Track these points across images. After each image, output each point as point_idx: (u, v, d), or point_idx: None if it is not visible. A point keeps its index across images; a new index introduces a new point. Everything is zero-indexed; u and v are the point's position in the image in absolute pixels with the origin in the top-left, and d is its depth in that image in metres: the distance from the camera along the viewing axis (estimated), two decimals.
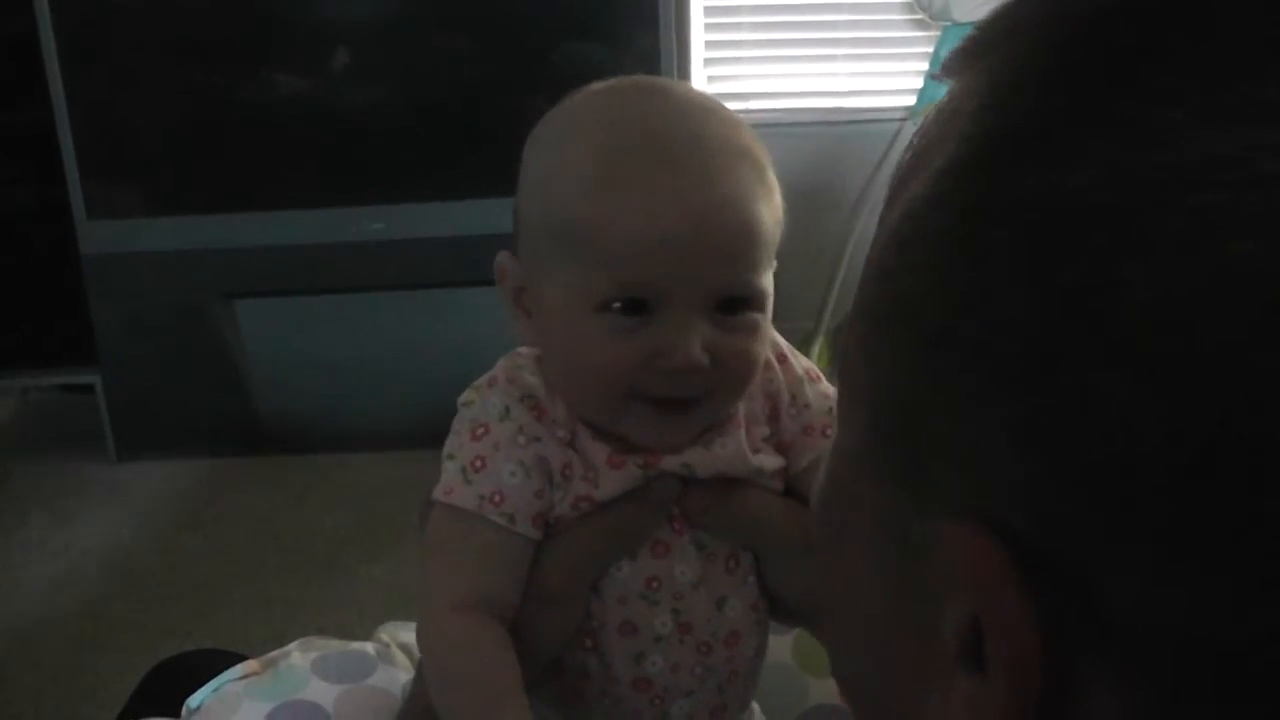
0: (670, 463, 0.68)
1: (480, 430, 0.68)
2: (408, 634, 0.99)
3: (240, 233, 2.43)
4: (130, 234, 2.42)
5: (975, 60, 0.35)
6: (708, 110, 0.67)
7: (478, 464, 0.67)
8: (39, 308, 2.56)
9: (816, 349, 2.69)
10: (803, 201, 2.77)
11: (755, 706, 0.80)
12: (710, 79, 2.80)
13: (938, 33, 2.64)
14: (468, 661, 0.66)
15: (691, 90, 0.69)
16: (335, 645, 0.96)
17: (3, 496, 2.45)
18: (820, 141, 2.79)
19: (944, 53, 2.58)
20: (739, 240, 0.64)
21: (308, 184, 2.46)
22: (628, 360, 0.64)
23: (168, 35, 2.41)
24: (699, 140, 0.64)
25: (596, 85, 0.69)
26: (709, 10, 2.80)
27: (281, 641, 0.98)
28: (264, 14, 2.43)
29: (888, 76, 2.82)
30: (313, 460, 2.51)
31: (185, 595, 2.12)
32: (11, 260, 2.52)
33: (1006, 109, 0.32)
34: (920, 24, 2.75)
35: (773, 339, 0.71)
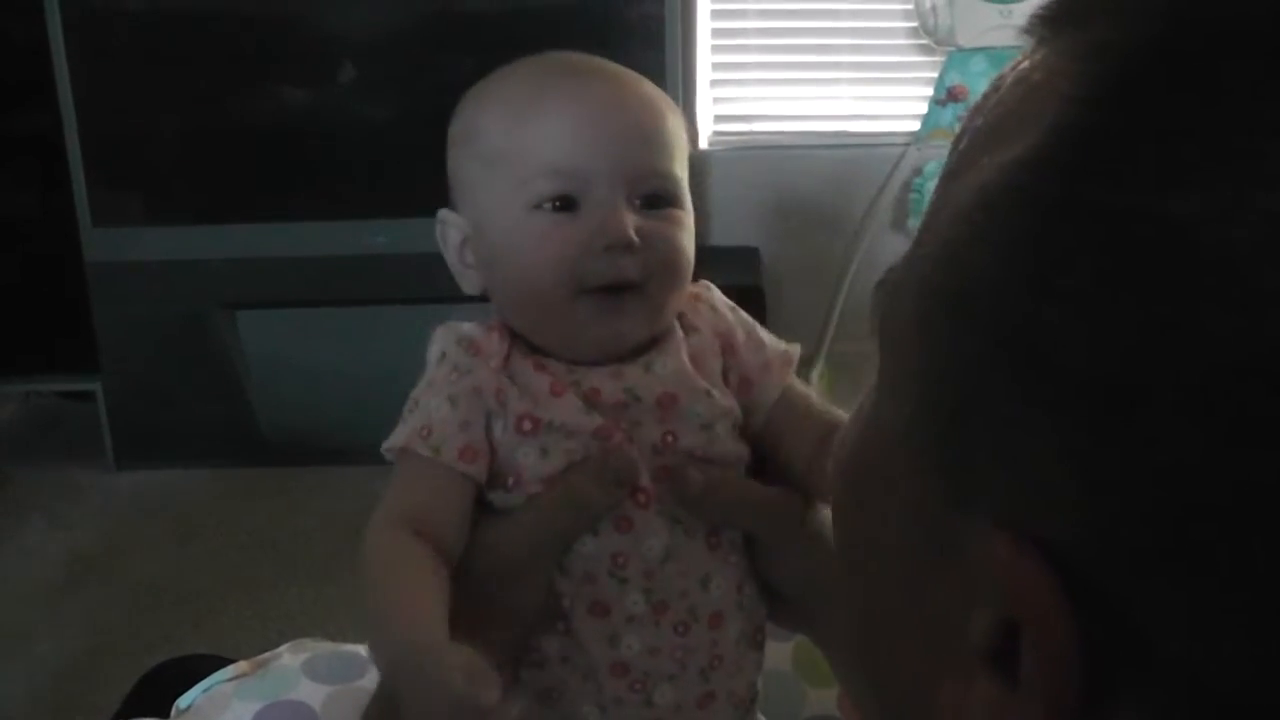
0: (612, 390, 0.69)
1: (421, 382, 0.71)
2: None
3: (244, 244, 2.44)
4: (135, 242, 2.43)
5: (1063, 28, 0.32)
6: (609, 61, 0.75)
7: (411, 405, 0.70)
8: (42, 313, 2.57)
9: (817, 372, 2.69)
10: (805, 224, 2.77)
11: (759, 715, 0.79)
12: (716, 101, 2.82)
13: (942, 58, 2.65)
14: (382, 558, 0.67)
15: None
16: (326, 647, 0.96)
17: (1, 501, 2.45)
18: (824, 165, 2.80)
19: (949, 78, 2.61)
20: (652, 129, 0.71)
21: (312, 197, 2.47)
22: (568, 247, 0.69)
23: (176, 46, 2.42)
24: (605, 65, 0.73)
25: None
26: (716, 33, 2.82)
27: None
28: (272, 27, 2.44)
29: (892, 101, 2.84)
30: (310, 472, 2.50)
31: (181, 604, 2.12)
32: (15, 265, 2.53)
33: (1105, 109, 0.29)
34: (925, 49, 2.76)
35: (720, 297, 0.76)
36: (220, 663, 0.99)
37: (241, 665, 0.93)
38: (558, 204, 0.69)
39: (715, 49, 2.83)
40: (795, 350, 0.76)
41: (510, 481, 0.69)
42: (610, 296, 0.69)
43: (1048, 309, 0.29)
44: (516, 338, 0.71)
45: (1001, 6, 2.47)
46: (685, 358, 0.71)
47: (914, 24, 2.72)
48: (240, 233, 2.44)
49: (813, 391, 0.75)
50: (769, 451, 0.73)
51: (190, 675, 0.96)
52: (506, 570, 0.68)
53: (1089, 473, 0.28)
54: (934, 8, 2.60)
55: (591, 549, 0.69)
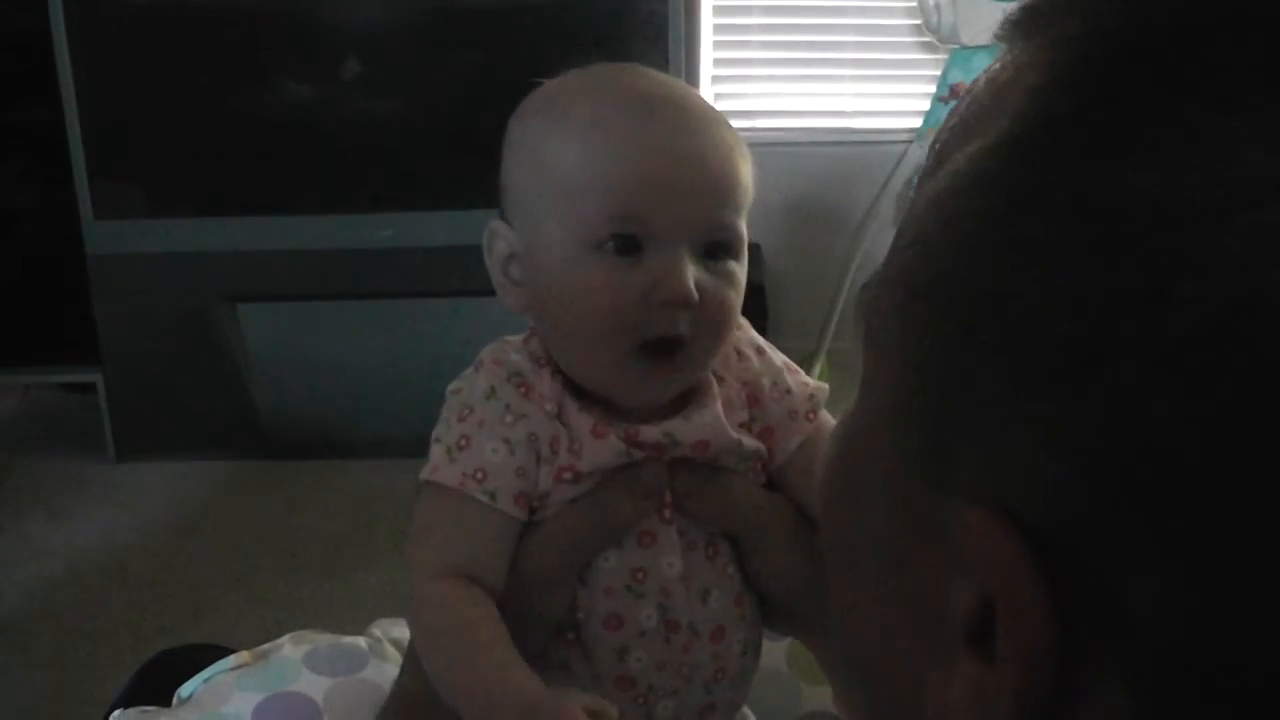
0: (650, 433, 0.68)
1: (466, 412, 0.69)
2: (400, 630, 0.99)
3: (246, 237, 2.44)
4: (136, 235, 2.43)
5: (1032, 31, 0.33)
6: (684, 85, 0.73)
7: (462, 443, 0.68)
8: (43, 305, 2.57)
9: (818, 369, 2.69)
10: (807, 221, 2.77)
11: (749, 713, 0.79)
12: (718, 96, 2.81)
13: (945, 55, 2.65)
14: (449, 618, 0.66)
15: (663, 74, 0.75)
16: (327, 639, 0.96)
17: (1, 493, 2.46)
18: (826, 161, 2.80)
19: (952, 76, 2.61)
20: (723, 180, 0.68)
21: (315, 190, 2.47)
22: (624, 296, 0.66)
23: (180, 38, 2.42)
24: (683, 100, 0.70)
25: (576, 69, 0.73)
26: (718, 29, 2.82)
27: None
28: (276, 20, 2.44)
29: (895, 98, 2.83)
30: (312, 465, 2.51)
31: (180, 596, 2.12)
32: (17, 257, 2.53)
33: (1067, 93, 0.31)
34: (928, 46, 2.76)
35: (749, 336, 0.74)
36: (221, 652, 0.99)
37: (242, 655, 0.94)
38: (620, 246, 0.67)
39: (718, 44, 2.83)
40: (823, 392, 0.74)
41: (537, 503, 0.69)
42: (659, 357, 0.68)
43: (1017, 284, 0.30)
44: (560, 371, 0.70)
45: (1005, 5, 2.46)
46: (719, 408, 0.71)
47: (917, 21, 2.73)
48: (242, 226, 2.44)
49: None
50: (789, 490, 0.73)
51: (190, 664, 0.96)
52: (535, 581, 0.68)
53: (1063, 446, 0.29)
54: (937, 5, 2.60)
55: (614, 563, 0.69)
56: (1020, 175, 0.31)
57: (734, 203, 0.69)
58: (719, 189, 0.68)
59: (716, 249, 0.68)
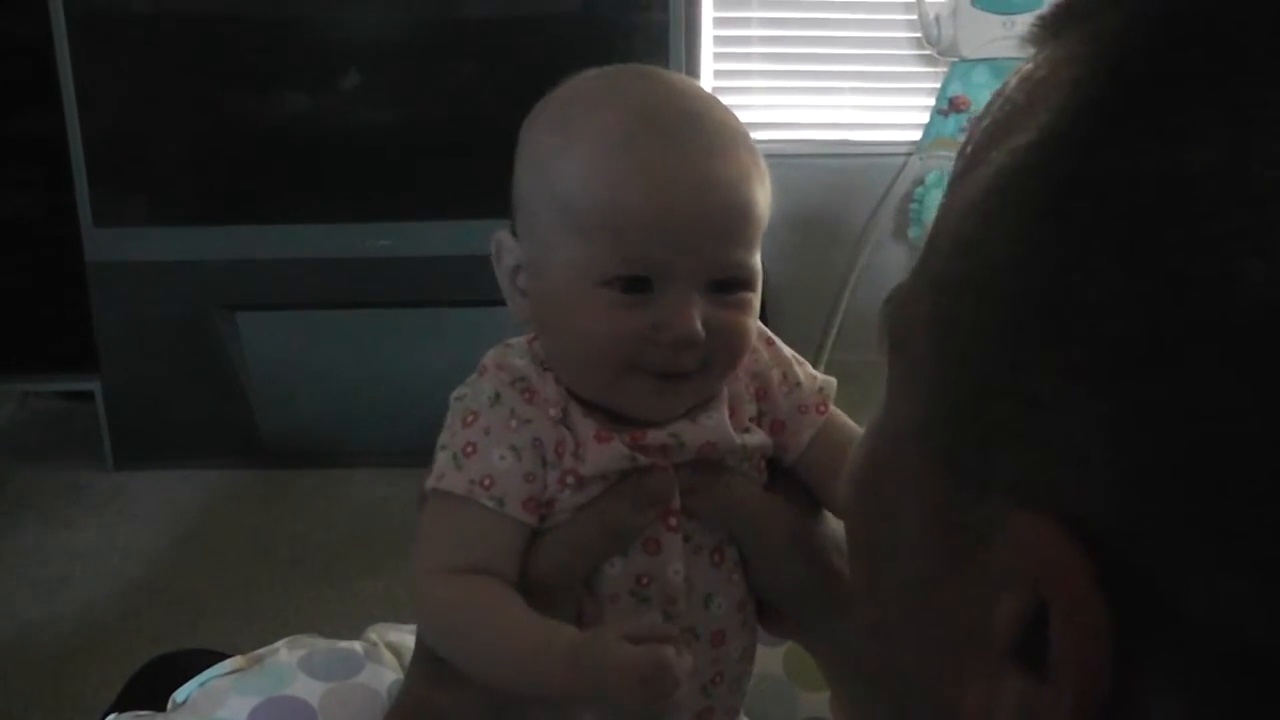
0: (657, 436, 0.68)
1: (471, 418, 0.68)
2: (396, 634, 0.99)
3: (246, 245, 2.44)
4: (136, 242, 2.43)
5: (1065, 29, 0.33)
6: (704, 95, 0.70)
7: (469, 450, 0.67)
8: (42, 313, 2.57)
9: None
10: (807, 233, 2.77)
11: None
12: None
13: (945, 68, 2.66)
14: (470, 597, 0.66)
15: (684, 77, 0.72)
16: (323, 644, 0.96)
17: None
18: (826, 174, 2.81)
19: (951, 89, 2.61)
20: (738, 218, 0.66)
21: (315, 199, 2.47)
22: (629, 333, 0.65)
23: (181, 48, 2.42)
24: (700, 120, 0.67)
25: (593, 70, 0.71)
26: (719, 40, 2.83)
27: None
28: (275, 30, 2.45)
29: (895, 111, 2.84)
30: (310, 474, 2.51)
31: (178, 604, 2.12)
32: (16, 264, 2.54)
33: (1114, 81, 0.30)
34: (928, 60, 2.77)
35: (759, 327, 0.73)
36: (216, 658, 0.99)
37: (238, 660, 0.94)
38: (628, 285, 0.65)
39: (718, 57, 2.84)
40: (831, 385, 0.73)
41: (545, 510, 0.68)
42: (663, 380, 0.67)
43: (1070, 277, 0.29)
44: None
45: (1004, 18, 2.48)
46: (726, 412, 0.70)
47: (917, 34, 2.73)
48: (241, 234, 2.44)
49: (855, 426, 0.72)
50: (807, 485, 0.72)
51: (186, 669, 0.96)
52: (540, 589, 0.67)
53: (1120, 443, 0.28)
54: (937, 19, 2.61)
55: (619, 570, 0.68)
56: (1068, 165, 0.30)
57: (748, 238, 0.67)
58: (734, 227, 0.66)
59: (730, 285, 0.67)
